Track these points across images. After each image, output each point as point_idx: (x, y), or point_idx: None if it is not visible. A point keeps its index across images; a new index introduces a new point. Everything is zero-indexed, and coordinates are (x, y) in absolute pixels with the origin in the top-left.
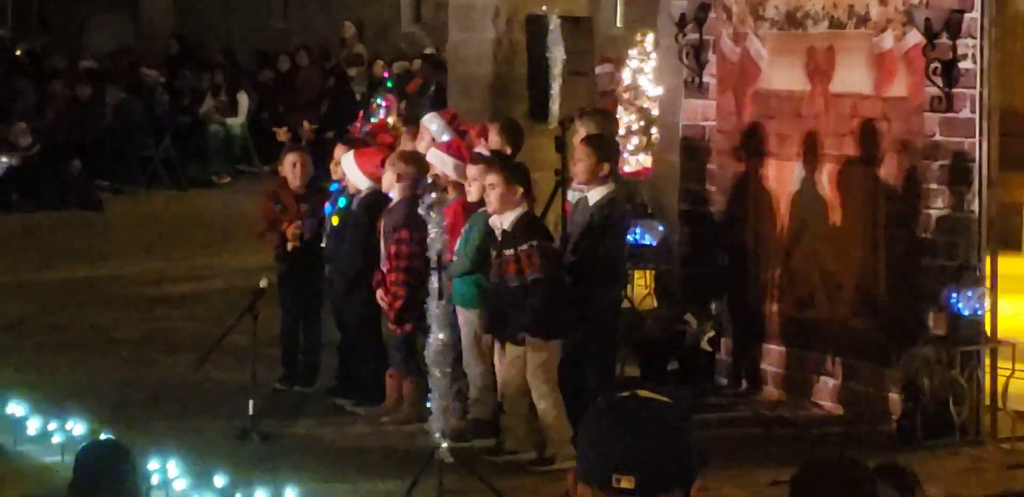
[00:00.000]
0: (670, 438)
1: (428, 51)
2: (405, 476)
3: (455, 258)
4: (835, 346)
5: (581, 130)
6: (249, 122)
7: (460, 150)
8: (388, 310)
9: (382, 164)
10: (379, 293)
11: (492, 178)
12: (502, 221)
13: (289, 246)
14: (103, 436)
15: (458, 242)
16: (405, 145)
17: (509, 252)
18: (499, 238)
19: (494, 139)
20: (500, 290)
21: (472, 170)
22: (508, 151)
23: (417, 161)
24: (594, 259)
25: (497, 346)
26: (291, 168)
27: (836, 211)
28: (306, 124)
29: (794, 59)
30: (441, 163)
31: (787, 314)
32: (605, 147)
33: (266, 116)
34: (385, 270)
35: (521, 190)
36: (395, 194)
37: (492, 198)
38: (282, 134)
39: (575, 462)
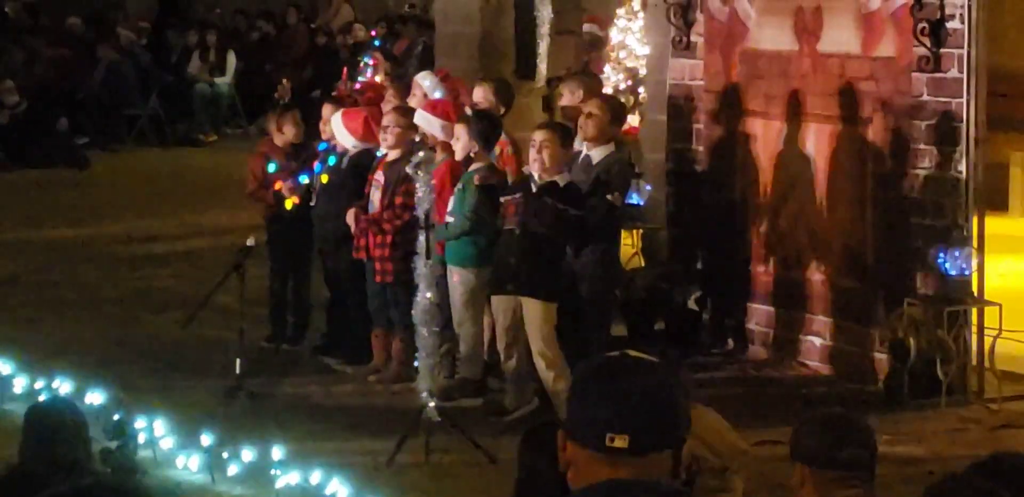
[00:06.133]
0: (662, 398)
1: (415, 11)
2: (392, 435)
3: (451, 219)
4: (822, 306)
5: (566, 93)
6: (236, 81)
7: (447, 110)
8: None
9: (365, 123)
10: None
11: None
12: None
13: (289, 204)
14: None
15: (452, 203)
16: (389, 102)
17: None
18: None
19: (488, 99)
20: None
21: (458, 129)
22: (501, 111)
23: (409, 115)
24: (593, 217)
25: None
26: (293, 128)
27: (823, 171)
28: (284, 82)
29: (782, 19)
30: (428, 124)
31: (774, 274)
32: (618, 108)
33: (253, 75)
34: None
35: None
36: (395, 152)
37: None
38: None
39: None
